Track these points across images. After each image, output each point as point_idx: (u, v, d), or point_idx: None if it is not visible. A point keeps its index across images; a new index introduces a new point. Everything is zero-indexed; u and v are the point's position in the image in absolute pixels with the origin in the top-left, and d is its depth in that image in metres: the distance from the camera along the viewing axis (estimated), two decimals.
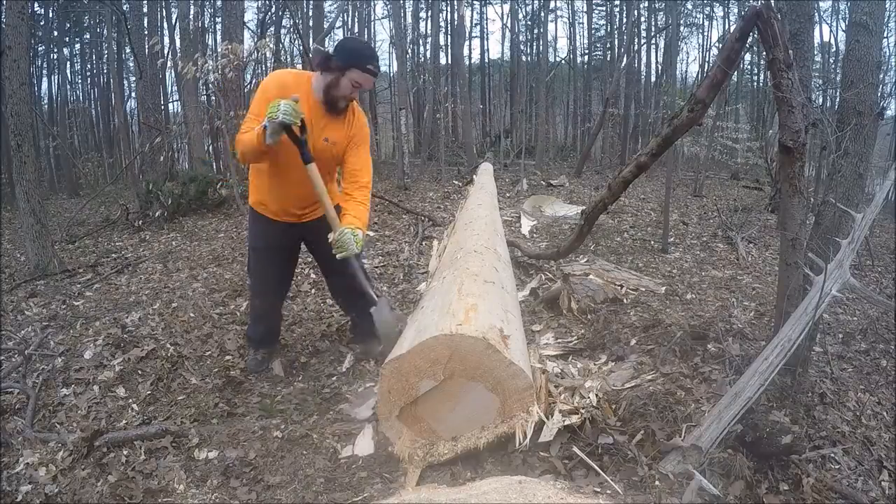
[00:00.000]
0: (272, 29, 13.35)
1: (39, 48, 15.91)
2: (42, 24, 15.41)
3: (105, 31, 15.39)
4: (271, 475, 2.01)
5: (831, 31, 15.46)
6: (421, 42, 19.14)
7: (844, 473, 1.83)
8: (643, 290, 3.65)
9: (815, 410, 2.12)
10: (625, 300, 3.48)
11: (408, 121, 10.28)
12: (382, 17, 19.84)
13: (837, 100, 3.93)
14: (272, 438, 2.24)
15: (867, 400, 2.29)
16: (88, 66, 18.33)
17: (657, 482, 1.67)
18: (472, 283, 2.31)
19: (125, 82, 16.75)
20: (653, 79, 18.81)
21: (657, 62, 18.94)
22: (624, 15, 16.94)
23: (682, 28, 18.10)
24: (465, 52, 17.44)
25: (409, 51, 17.69)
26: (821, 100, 12.45)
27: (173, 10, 13.38)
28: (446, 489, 1.21)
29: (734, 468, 1.71)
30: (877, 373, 2.59)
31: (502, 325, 1.99)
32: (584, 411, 2.01)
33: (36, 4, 14.15)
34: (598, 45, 20.92)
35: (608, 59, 18.40)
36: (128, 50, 12.78)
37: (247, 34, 11.38)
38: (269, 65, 12.31)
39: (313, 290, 4.05)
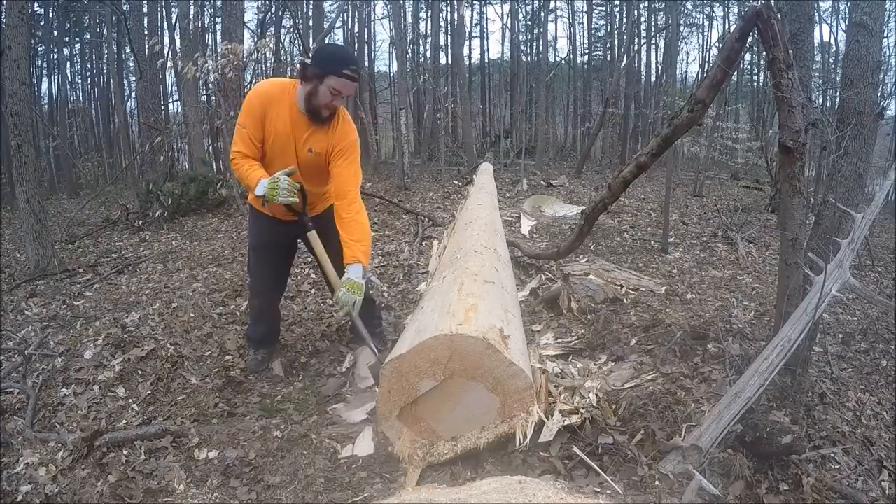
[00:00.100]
0: (272, 29, 13.35)
1: (39, 48, 15.91)
2: (42, 24, 15.41)
3: (105, 31, 15.39)
4: (271, 475, 2.01)
5: (831, 31, 15.47)
6: (421, 42, 19.14)
7: (844, 473, 1.83)
8: (643, 290, 3.65)
9: (815, 410, 2.12)
10: (625, 300, 3.48)
11: (408, 121, 10.28)
12: (382, 17, 19.85)
13: (837, 100, 3.93)
14: (272, 438, 2.24)
15: (867, 400, 2.29)
16: (88, 66, 18.34)
17: (657, 482, 1.67)
18: (472, 283, 2.31)
19: (125, 82, 16.75)
20: (653, 79, 18.81)
21: (657, 62, 18.95)
22: (624, 15, 16.94)
23: (682, 28, 18.10)
24: (465, 52, 17.45)
25: (409, 51, 17.69)
26: (821, 100, 12.46)
27: (173, 10, 13.38)
28: (446, 489, 1.21)
29: (734, 468, 1.71)
30: (877, 373, 2.59)
31: (502, 325, 1.99)
32: (584, 411, 2.01)
33: (36, 4, 14.15)
34: (598, 45, 20.92)
35: (608, 59, 18.39)
36: (128, 50, 12.79)
37: (247, 34, 11.38)
38: (269, 65, 12.31)
39: (313, 290, 4.05)
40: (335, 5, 17.00)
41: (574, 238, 3.46)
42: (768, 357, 1.92)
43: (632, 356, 2.61)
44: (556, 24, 22.57)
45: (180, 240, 6.04)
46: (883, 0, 3.26)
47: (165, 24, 13.85)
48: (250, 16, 17.54)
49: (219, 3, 13.31)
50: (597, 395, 2.15)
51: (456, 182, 10.04)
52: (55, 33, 15.64)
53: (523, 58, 18.53)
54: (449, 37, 18.02)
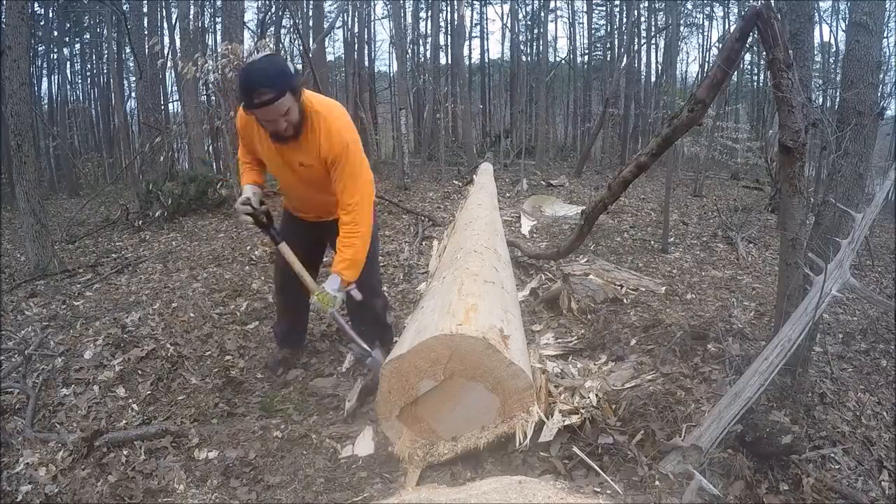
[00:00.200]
0: (272, 29, 13.35)
1: (39, 48, 15.90)
2: (42, 24, 15.40)
3: (105, 31, 15.39)
4: (271, 475, 2.01)
5: (831, 31, 15.47)
6: (421, 42, 19.16)
7: (844, 473, 1.83)
8: (643, 290, 3.65)
9: (815, 410, 2.12)
10: (625, 300, 3.48)
11: (408, 121, 10.28)
12: (382, 17, 19.85)
13: (837, 100, 3.93)
14: (272, 438, 2.24)
15: (867, 400, 2.29)
16: (88, 66, 18.33)
17: (657, 482, 1.67)
18: (472, 283, 2.31)
19: (125, 82, 16.74)
20: (653, 79, 18.80)
21: (657, 62, 18.94)
22: (624, 15, 16.94)
23: (682, 28, 18.09)
24: (465, 52, 17.46)
25: (409, 51, 17.70)
26: (821, 100, 12.46)
27: (173, 10, 13.38)
28: (446, 489, 1.21)
29: (734, 468, 1.71)
30: (877, 373, 2.59)
31: (502, 325, 1.99)
32: (584, 411, 2.01)
33: (36, 4, 14.15)
34: (598, 45, 20.91)
35: (608, 59, 18.39)
36: (128, 50, 12.78)
37: (247, 34, 11.37)
38: None
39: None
40: (335, 5, 17.00)
41: (574, 238, 3.47)
42: (768, 357, 1.92)
43: (632, 356, 2.61)
44: (556, 24, 22.59)
45: (180, 240, 6.04)
46: (883, 0, 3.26)
47: (165, 24, 13.85)
48: (250, 16, 17.54)
49: (219, 3, 13.32)
50: (597, 395, 2.15)
51: (456, 182, 10.04)
52: (55, 33, 15.64)
53: (523, 58, 18.54)
54: (449, 37, 18.03)
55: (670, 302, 3.67)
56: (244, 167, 2.51)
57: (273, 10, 13.31)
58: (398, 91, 13.53)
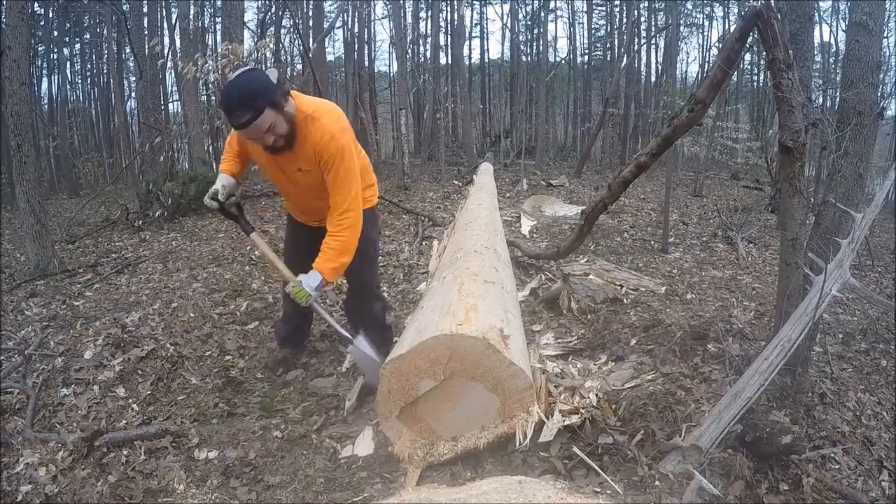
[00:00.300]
0: (272, 29, 13.35)
1: (39, 48, 15.90)
2: (42, 24, 15.40)
3: (105, 31, 15.38)
4: (271, 475, 2.02)
5: (831, 31, 15.47)
6: (421, 42, 19.16)
7: (844, 473, 1.83)
8: (643, 290, 3.65)
9: (815, 410, 2.12)
10: (625, 300, 3.48)
11: (408, 121, 10.28)
12: (382, 17, 19.85)
13: (837, 100, 3.93)
14: (272, 438, 2.24)
15: (867, 400, 2.29)
16: (88, 66, 18.33)
17: (657, 482, 1.67)
18: (472, 283, 2.31)
19: (125, 82, 16.74)
20: (653, 79, 18.80)
21: (657, 62, 18.95)
22: (624, 15, 16.93)
23: (682, 28, 18.09)
24: (465, 52, 17.46)
25: (409, 51, 17.70)
26: (821, 100, 12.46)
27: (173, 10, 13.38)
28: (446, 489, 1.21)
29: (734, 468, 1.71)
30: (877, 373, 2.59)
31: (502, 325, 1.99)
32: (584, 411, 2.01)
33: (36, 4, 14.14)
34: (598, 45, 20.90)
35: (608, 59, 18.38)
36: (128, 50, 12.78)
37: (247, 34, 11.39)
38: (269, 65, 12.30)
39: None
40: (335, 5, 17.00)
41: (574, 238, 3.46)
42: (768, 357, 1.92)
43: (632, 356, 2.61)
44: (556, 24, 22.59)
45: (180, 240, 6.04)
46: (883, 0, 3.26)
47: (165, 24, 13.86)
48: (250, 16, 17.57)
49: (219, 3, 13.32)
50: (597, 395, 2.15)
51: (456, 182, 10.04)
52: (55, 33, 15.63)
53: (523, 58, 18.54)
54: (449, 37, 18.03)
55: (670, 302, 3.67)
56: (226, 155, 2.50)
57: (273, 10, 13.32)
58: (398, 91, 13.53)
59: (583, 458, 1.80)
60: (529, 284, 4.02)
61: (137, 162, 10.16)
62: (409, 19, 17.92)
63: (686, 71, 22.28)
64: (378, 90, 18.61)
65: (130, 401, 2.51)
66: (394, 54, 15.46)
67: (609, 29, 19.02)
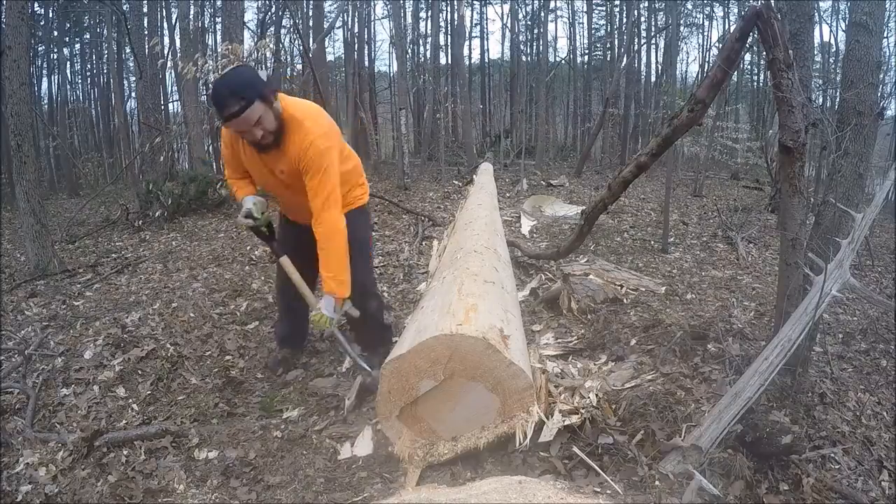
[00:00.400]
0: (272, 29, 13.33)
1: (39, 48, 15.91)
2: (42, 24, 15.40)
3: (105, 31, 15.39)
4: (271, 475, 2.01)
5: (831, 31, 15.47)
6: (421, 42, 19.16)
7: (844, 473, 1.83)
8: (643, 290, 3.65)
9: (815, 410, 2.12)
10: (625, 300, 3.48)
11: (408, 121, 10.28)
12: (382, 17, 19.85)
13: (837, 100, 3.93)
14: (272, 438, 2.24)
15: (867, 400, 2.29)
16: (88, 66, 18.34)
17: (657, 482, 1.67)
18: (472, 283, 2.31)
19: (125, 82, 16.75)
20: (653, 79, 18.81)
21: (657, 62, 18.95)
22: (624, 15, 16.93)
23: (682, 28, 18.10)
24: (465, 52, 17.46)
25: (409, 51, 17.70)
26: (821, 100, 12.46)
27: (173, 10, 13.38)
28: (446, 489, 1.21)
29: (734, 468, 1.71)
30: (877, 373, 2.59)
31: (502, 325, 1.99)
32: (584, 411, 2.01)
33: (36, 4, 14.15)
34: (598, 45, 20.90)
35: (608, 59, 18.38)
36: (128, 50, 12.78)
37: (247, 34, 11.38)
38: (269, 65, 12.30)
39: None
40: (335, 5, 17.01)
41: (574, 238, 3.46)
42: (768, 357, 1.92)
43: (632, 356, 2.61)
44: (556, 24, 22.59)
45: (180, 240, 6.04)
46: (883, 0, 3.26)
47: (165, 24, 13.86)
48: (250, 16, 17.57)
49: (219, 3, 13.32)
50: (597, 395, 2.15)
51: (456, 182, 10.04)
52: (55, 33, 15.63)
53: (523, 58, 18.54)
54: (449, 37, 18.03)
55: (670, 302, 3.67)
56: (236, 185, 2.53)
57: (273, 10, 13.31)
58: (398, 91, 13.53)
59: (583, 458, 1.80)
60: (529, 284, 4.02)
61: (137, 162, 10.17)
62: (409, 19, 17.93)
63: (686, 71, 22.32)
64: (378, 90, 18.60)
65: (130, 401, 2.51)
66: (394, 54, 15.47)
67: (609, 29, 19.03)
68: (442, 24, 18.67)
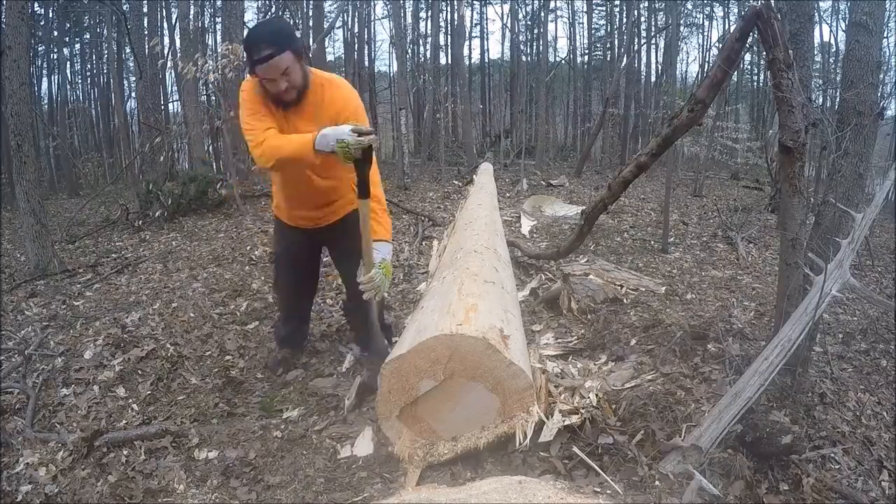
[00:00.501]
0: None
1: (39, 48, 15.90)
2: (42, 24, 15.40)
3: (105, 31, 15.39)
4: (271, 475, 2.01)
5: (831, 31, 15.47)
6: (421, 42, 19.16)
7: (844, 473, 1.83)
8: (643, 290, 3.65)
9: (815, 410, 2.12)
10: (625, 300, 3.48)
11: (408, 121, 10.28)
12: (382, 17, 19.84)
13: (837, 100, 3.93)
14: (272, 438, 2.24)
15: (867, 400, 2.29)
16: (88, 66, 18.33)
17: (657, 482, 1.67)
18: (472, 283, 2.31)
19: (125, 82, 16.75)
20: (653, 79, 18.82)
21: (657, 62, 18.96)
22: (624, 15, 16.94)
23: (682, 28, 18.10)
24: (465, 52, 17.46)
25: (409, 51, 17.70)
26: (821, 100, 12.47)
27: (173, 10, 13.38)
28: (446, 489, 1.21)
29: (734, 468, 1.71)
30: (877, 373, 2.59)
31: (502, 325, 1.99)
32: (584, 411, 2.01)
33: (36, 4, 14.15)
34: (598, 45, 20.91)
35: (608, 59, 18.39)
36: (128, 50, 12.78)
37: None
38: None
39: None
40: (335, 5, 16.99)
41: (574, 238, 3.46)
42: (768, 357, 1.92)
43: (632, 356, 2.61)
44: (556, 24, 22.59)
45: (180, 240, 6.04)
46: (883, 0, 3.26)
47: (165, 24, 13.86)
48: (250, 16, 17.51)
49: (219, 3, 13.32)
50: (597, 395, 2.15)
51: (456, 182, 10.05)
52: (55, 33, 15.63)
53: (523, 58, 18.54)
54: (449, 37, 18.03)
55: (670, 302, 3.67)
56: (282, 137, 2.13)
57: (273, 10, 13.31)
58: (398, 91, 13.54)
59: (583, 458, 1.80)
60: (529, 284, 4.02)
61: (137, 162, 10.17)
62: (409, 19, 17.93)
63: (686, 71, 22.31)
64: (378, 90, 18.60)
65: (130, 401, 2.51)
66: (394, 54, 15.47)
67: (609, 29, 19.04)
68: (442, 24, 18.70)
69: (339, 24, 16.32)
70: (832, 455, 1.88)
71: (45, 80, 16.35)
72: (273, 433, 2.28)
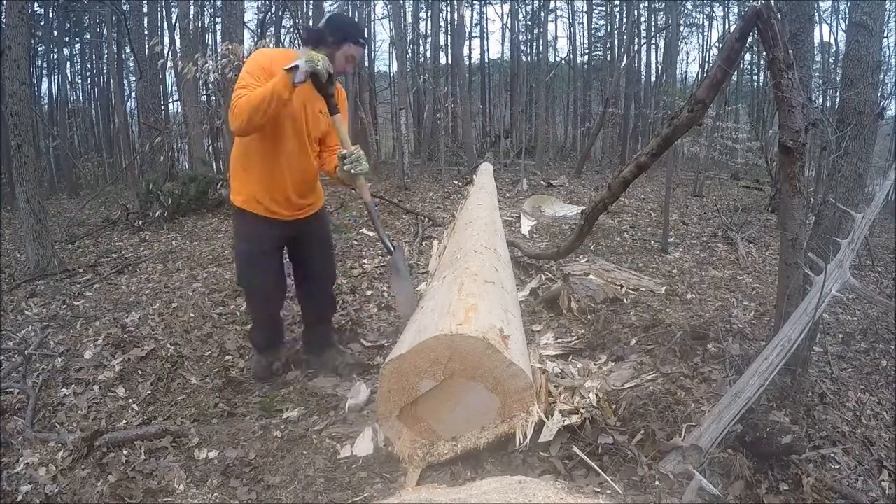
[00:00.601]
0: (272, 29, 13.35)
1: (39, 48, 15.92)
2: (42, 24, 15.41)
3: (105, 31, 15.40)
4: (271, 475, 2.01)
5: (831, 31, 15.49)
6: (421, 42, 19.17)
7: (844, 473, 1.83)
8: (643, 290, 3.65)
9: (815, 410, 2.12)
10: (625, 300, 3.48)
11: (408, 121, 10.29)
12: (382, 17, 19.85)
13: (837, 100, 3.93)
14: (272, 438, 2.24)
15: (867, 400, 2.29)
16: (88, 66, 18.35)
17: (657, 482, 1.67)
18: (472, 283, 2.30)
19: (125, 82, 16.76)
20: (653, 79, 18.83)
21: (657, 62, 18.97)
22: (624, 15, 16.94)
23: (682, 28, 18.11)
24: (465, 52, 17.46)
25: (409, 51, 17.71)
26: (821, 100, 12.47)
27: (173, 10, 13.38)
28: (446, 489, 1.21)
29: (734, 468, 1.71)
30: (877, 373, 2.59)
31: (502, 325, 1.99)
32: (584, 411, 2.01)
33: (36, 4, 14.16)
34: (598, 45, 20.92)
35: (608, 59, 18.40)
36: (128, 50, 12.79)
37: (247, 34, 11.38)
38: None
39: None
40: (335, 5, 16.99)
41: (574, 238, 3.46)
42: (768, 357, 1.92)
43: (632, 356, 2.61)
44: (556, 24, 22.62)
45: (180, 240, 6.04)
46: (883, 0, 3.26)
47: (165, 24, 13.87)
48: (250, 16, 17.53)
49: (219, 3, 13.32)
50: (597, 395, 2.15)
51: (456, 182, 10.05)
52: (55, 33, 15.64)
53: (523, 58, 18.55)
54: (449, 37, 18.03)
55: (670, 302, 3.67)
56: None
57: (273, 10, 13.32)
58: (398, 91, 13.54)
59: (583, 458, 1.80)
60: (529, 284, 4.02)
61: (137, 162, 10.17)
62: (409, 19, 17.94)
63: (686, 71, 22.34)
64: (378, 90, 18.62)
65: (130, 401, 2.51)
66: (394, 54, 15.47)
67: (609, 29, 19.05)
68: (442, 24, 18.71)
69: None
70: (832, 455, 1.88)
71: (45, 80, 16.40)
72: (273, 433, 2.28)
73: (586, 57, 21.28)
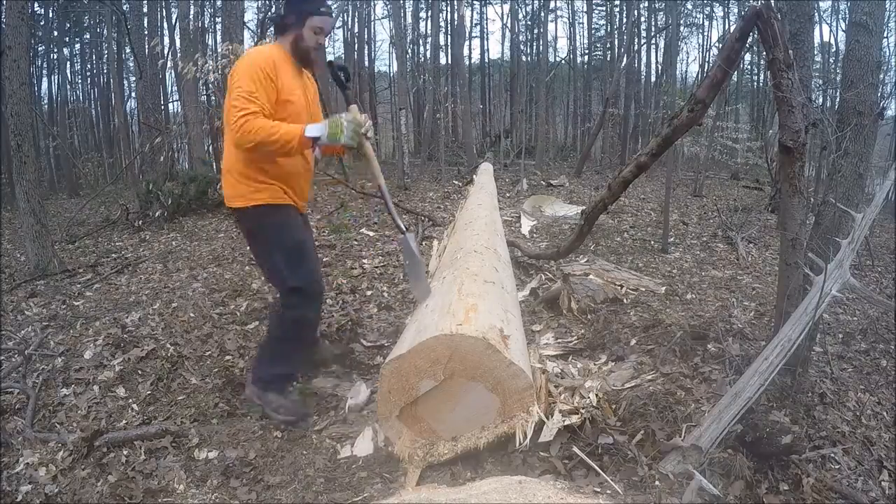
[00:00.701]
0: (272, 29, 13.33)
1: (39, 48, 15.92)
2: (42, 24, 15.42)
3: (105, 31, 15.40)
4: (271, 475, 2.01)
5: (831, 31, 15.49)
6: (421, 42, 19.19)
7: (844, 473, 1.83)
8: (643, 290, 3.65)
9: (815, 410, 2.12)
10: (625, 300, 3.48)
11: (408, 121, 10.29)
12: (382, 17, 19.87)
13: (837, 100, 3.93)
14: (272, 438, 2.24)
15: (867, 400, 2.29)
16: (88, 66, 18.36)
17: (657, 482, 1.67)
18: (472, 283, 2.30)
19: (125, 82, 16.77)
20: (653, 79, 18.83)
21: (657, 62, 18.98)
22: (624, 15, 16.94)
23: (682, 28, 18.10)
24: (465, 52, 17.48)
25: (409, 51, 17.72)
26: (821, 100, 12.46)
27: (173, 10, 13.38)
28: (446, 489, 1.21)
29: (734, 468, 1.71)
30: (877, 373, 2.59)
31: (502, 325, 1.99)
32: (584, 411, 2.01)
33: (36, 4, 14.16)
34: (598, 45, 20.92)
35: (608, 59, 18.40)
36: (128, 50, 12.79)
37: (247, 34, 11.36)
38: None
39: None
40: (335, 5, 17.00)
41: (574, 238, 3.46)
42: (768, 357, 1.92)
43: (632, 356, 2.61)
44: (556, 24, 22.62)
45: (180, 240, 6.04)
46: (883, 0, 3.26)
47: (165, 24, 13.88)
48: (250, 16, 17.53)
49: (219, 3, 13.32)
50: (597, 395, 2.15)
51: (456, 182, 10.05)
52: (55, 33, 15.65)
53: (523, 58, 18.56)
54: (449, 37, 18.04)
55: (670, 302, 3.67)
56: (275, 122, 2.10)
57: (273, 10, 13.30)
58: (398, 91, 13.55)
59: (583, 458, 1.80)
60: (529, 284, 4.02)
61: (137, 162, 10.17)
62: (409, 19, 17.95)
63: (686, 71, 22.34)
64: (378, 90, 18.64)
65: (130, 401, 2.51)
66: (394, 54, 15.48)
67: (609, 29, 19.05)
68: (442, 24, 18.72)
69: (339, 23, 16.33)
70: (832, 455, 1.88)
71: (45, 80, 16.40)
72: (273, 433, 2.27)
73: (586, 57, 21.31)
